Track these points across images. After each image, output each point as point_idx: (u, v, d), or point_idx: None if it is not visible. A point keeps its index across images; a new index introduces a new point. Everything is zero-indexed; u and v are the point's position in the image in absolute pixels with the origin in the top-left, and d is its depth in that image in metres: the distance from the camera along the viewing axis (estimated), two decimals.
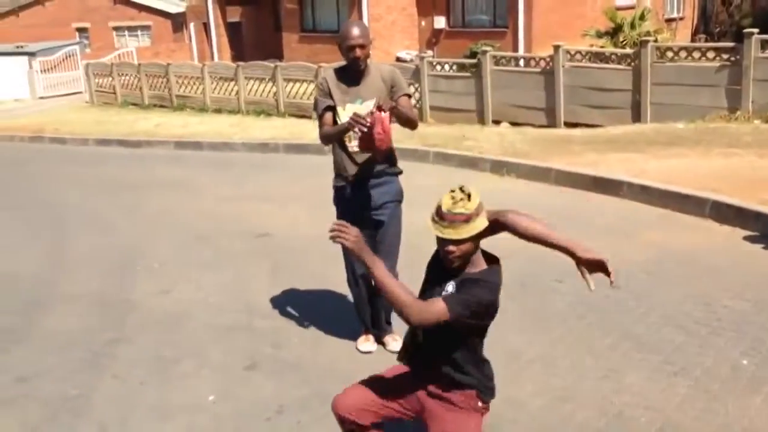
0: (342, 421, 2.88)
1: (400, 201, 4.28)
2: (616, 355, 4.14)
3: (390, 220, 4.22)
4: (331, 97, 4.12)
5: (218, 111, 15.55)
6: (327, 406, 3.74)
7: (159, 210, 8.16)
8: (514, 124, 11.94)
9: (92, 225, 7.74)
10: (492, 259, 2.78)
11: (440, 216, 2.58)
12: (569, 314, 4.71)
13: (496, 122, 12.26)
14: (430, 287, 2.77)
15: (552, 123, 11.80)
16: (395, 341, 4.38)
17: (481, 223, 2.60)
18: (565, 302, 4.89)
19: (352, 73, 4.11)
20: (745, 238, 5.88)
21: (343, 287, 5.22)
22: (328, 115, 4.14)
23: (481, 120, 12.48)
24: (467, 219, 2.56)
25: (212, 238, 6.96)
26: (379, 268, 2.62)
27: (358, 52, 3.99)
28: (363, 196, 4.17)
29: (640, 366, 4.00)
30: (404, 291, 2.59)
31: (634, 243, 5.94)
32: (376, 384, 2.90)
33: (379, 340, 4.48)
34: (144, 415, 3.85)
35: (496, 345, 4.27)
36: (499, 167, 8.69)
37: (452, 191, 2.59)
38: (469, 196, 2.58)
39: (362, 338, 4.49)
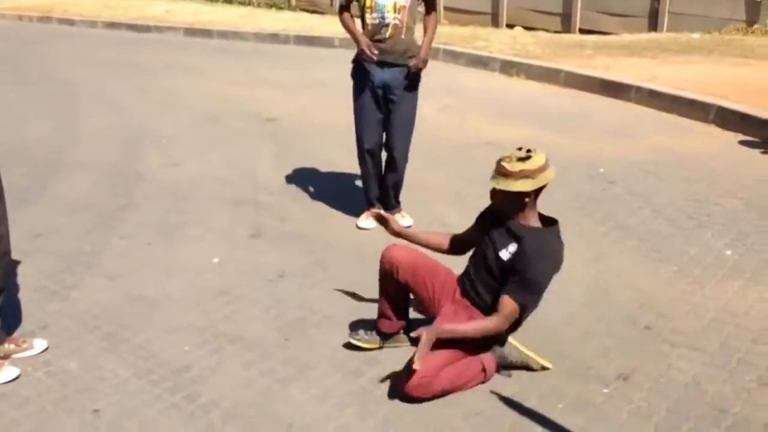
0: (385, 270, 3.12)
1: (415, 85, 4.34)
2: (607, 242, 4.30)
3: (404, 100, 4.28)
4: None
5: (229, 1, 15.27)
6: (326, 272, 3.98)
7: (168, 92, 8.20)
8: (528, 28, 11.75)
9: (102, 103, 7.80)
10: (549, 221, 3.01)
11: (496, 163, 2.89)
12: (568, 205, 4.84)
13: (510, 26, 12.06)
14: (486, 241, 2.99)
15: (567, 28, 11.60)
16: (403, 218, 4.55)
17: (517, 186, 2.81)
18: (565, 195, 5.00)
19: None
20: (746, 143, 5.95)
21: (347, 171, 5.37)
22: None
23: (495, 23, 12.27)
24: (506, 174, 2.81)
25: (220, 119, 7.04)
26: (451, 326, 2.91)
27: None
28: (381, 75, 4.23)
29: (628, 252, 4.16)
30: (479, 324, 2.89)
31: (637, 145, 6.01)
32: (429, 260, 3.16)
33: None
34: (151, 270, 4.04)
35: None
36: (508, 67, 8.65)
37: (518, 148, 2.87)
38: (527, 158, 2.81)
39: (364, 215, 4.64)
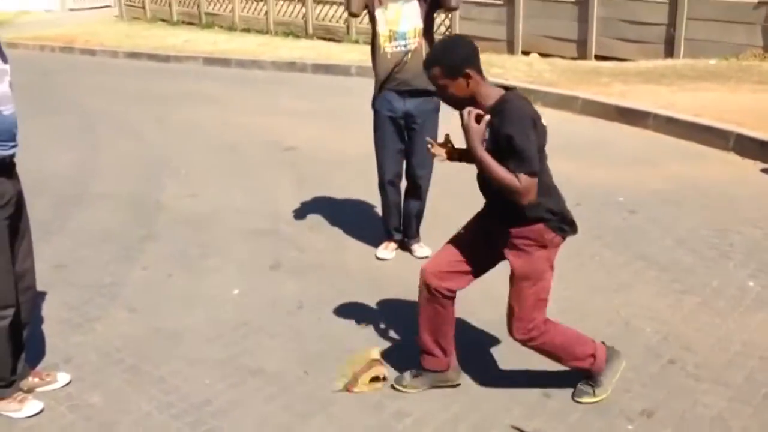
0: (428, 290, 3.04)
1: (436, 111, 4.34)
2: (627, 273, 4.28)
3: (426, 128, 4.27)
4: None
5: (247, 30, 15.47)
6: (346, 304, 3.98)
7: (187, 121, 8.30)
8: (543, 55, 11.80)
9: (122, 133, 7.90)
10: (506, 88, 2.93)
11: None
12: (586, 234, 4.79)
13: (526, 53, 12.12)
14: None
15: (582, 55, 11.64)
16: (422, 248, 4.56)
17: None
18: (584, 224, 4.93)
19: None
20: (766, 170, 5.91)
21: (365, 200, 5.40)
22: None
23: (511, 50, 12.34)
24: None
25: (239, 148, 7.11)
26: (487, 156, 2.78)
27: None
28: (403, 106, 4.26)
29: (650, 283, 4.13)
30: (506, 173, 2.75)
31: (656, 172, 6.00)
32: (456, 241, 3.10)
33: (407, 247, 4.64)
34: (172, 302, 4.07)
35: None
36: (524, 94, 8.63)
37: None
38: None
39: (383, 245, 4.65)
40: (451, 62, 2.77)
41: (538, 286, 2.92)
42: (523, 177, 2.72)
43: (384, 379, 3.21)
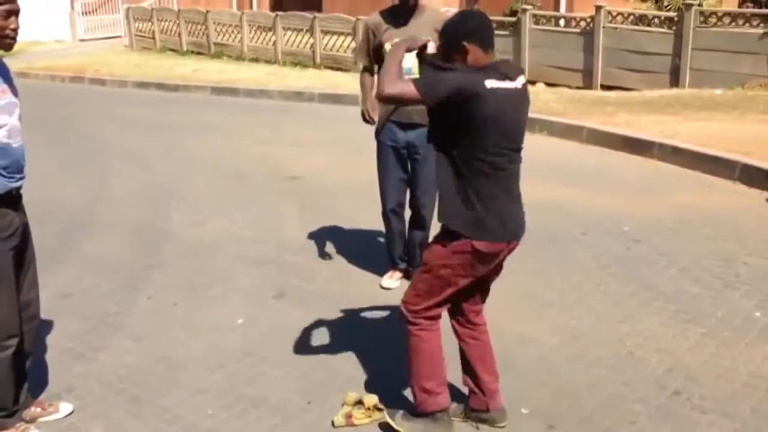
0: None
1: None
2: (633, 303, 4.26)
3: (429, 157, 4.27)
4: (375, 37, 4.24)
5: (255, 60, 15.65)
6: (352, 333, 3.97)
7: (194, 150, 8.36)
8: (549, 84, 11.89)
9: (130, 161, 7.97)
10: None
11: None
12: (591, 264, 4.82)
13: (532, 82, 12.19)
14: None
15: (588, 85, 11.73)
16: None
17: None
18: (589, 253, 5.00)
19: (401, 11, 4.18)
20: None
21: (370, 228, 5.41)
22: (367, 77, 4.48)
23: None
24: None
25: (245, 177, 7.16)
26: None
27: None
28: (405, 136, 4.31)
29: (655, 313, 4.11)
30: (397, 68, 2.75)
31: (661, 202, 6.00)
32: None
33: (411, 276, 4.62)
34: (176, 331, 4.06)
35: (515, 288, 4.46)
36: (531, 124, 8.62)
37: None
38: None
39: (387, 274, 4.65)
40: (447, 36, 2.83)
41: (431, 275, 2.90)
42: (412, 83, 2.70)
43: (380, 409, 3.18)
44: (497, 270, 2.99)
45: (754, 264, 4.71)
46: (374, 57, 4.35)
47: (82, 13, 22.20)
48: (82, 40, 21.67)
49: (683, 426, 3.08)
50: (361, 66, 4.54)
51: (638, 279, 4.56)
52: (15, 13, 2.82)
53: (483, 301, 3.09)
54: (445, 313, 3.04)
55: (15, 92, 2.95)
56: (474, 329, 3.07)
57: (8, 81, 2.92)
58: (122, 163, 7.89)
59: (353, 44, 13.17)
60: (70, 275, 4.88)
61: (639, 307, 4.19)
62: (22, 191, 3.02)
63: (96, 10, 22.69)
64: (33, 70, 15.23)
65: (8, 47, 2.86)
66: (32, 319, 3.15)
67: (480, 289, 3.03)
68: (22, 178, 2.98)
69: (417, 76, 2.96)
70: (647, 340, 3.81)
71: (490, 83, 2.66)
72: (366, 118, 4.50)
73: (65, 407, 3.27)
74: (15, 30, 2.83)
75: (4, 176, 2.86)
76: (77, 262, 5.14)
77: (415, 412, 3.03)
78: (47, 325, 3.99)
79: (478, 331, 3.08)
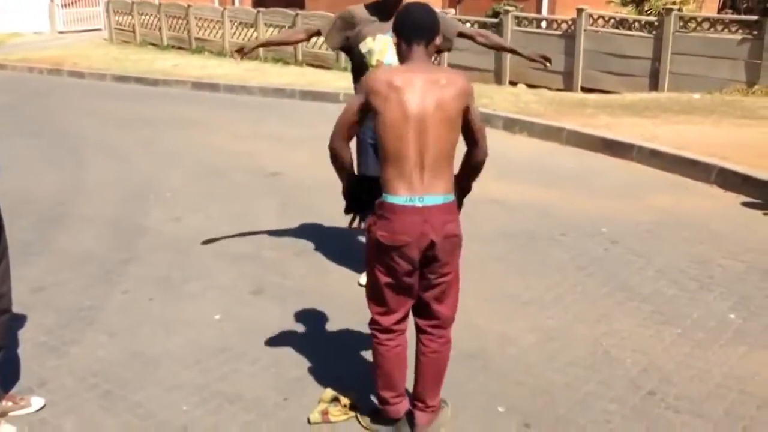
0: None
1: None
2: (609, 303, 4.28)
3: None
4: (353, 27, 4.19)
5: None
6: (329, 329, 3.96)
7: (173, 145, 8.29)
8: (530, 86, 11.93)
9: (108, 155, 7.88)
10: None
11: None
12: (569, 264, 4.84)
13: (513, 83, 12.26)
14: None
15: (569, 87, 11.80)
16: None
17: None
18: (567, 254, 5.01)
19: (387, 7, 4.15)
20: (748, 204, 5.96)
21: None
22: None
23: (498, 80, 12.48)
24: None
25: (224, 173, 7.11)
26: None
27: None
28: None
29: (631, 314, 4.13)
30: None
31: (639, 205, 6.04)
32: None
33: None
34: (152, 327, 4.02)
35: (494, 287, 4.47)
36: (511, 125, 8.75)
37: None
38: None
39: (365, 273, 4.63)
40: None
41: (369, 270, 2.92)
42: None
43: (357, 407, 3.17)
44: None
45: (729, 266, 4.76)
46: (343, 46, 4.30)
47: (62, 6, 21.96)
48: (61, 33, 21.44)
49: (657, 426, 3.10)
50: (303, 32, 4.49)
51: (615, 280, 4.59)
52: None
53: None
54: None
55: None
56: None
57: None
58: (100, 157, 7.80)
59: None
60: (44, 268, 4.82)
61: (615, 308, 4.21)
62: None
63: (76, 2, 22.46)
64: (10, 62, 15.04)
65: None
66: (4, 313, 3.11)
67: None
68: None
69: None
70: (623, 340, 3.83)
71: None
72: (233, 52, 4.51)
73: (37, 401, 3.23)
74: None
75: None
76: (52, 255, 5.08)
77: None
78: (20, 319, 3.93)
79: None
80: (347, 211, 3.18)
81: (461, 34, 4.37)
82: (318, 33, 4.40)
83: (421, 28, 2.78)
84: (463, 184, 2.99)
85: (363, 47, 4.18)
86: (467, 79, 2.80)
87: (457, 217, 2.84)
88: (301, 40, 4.63)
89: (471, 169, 2.97)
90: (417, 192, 2.73)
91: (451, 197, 2.80)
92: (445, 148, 2.74)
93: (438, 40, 2.83)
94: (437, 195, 2.75)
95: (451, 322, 2.98)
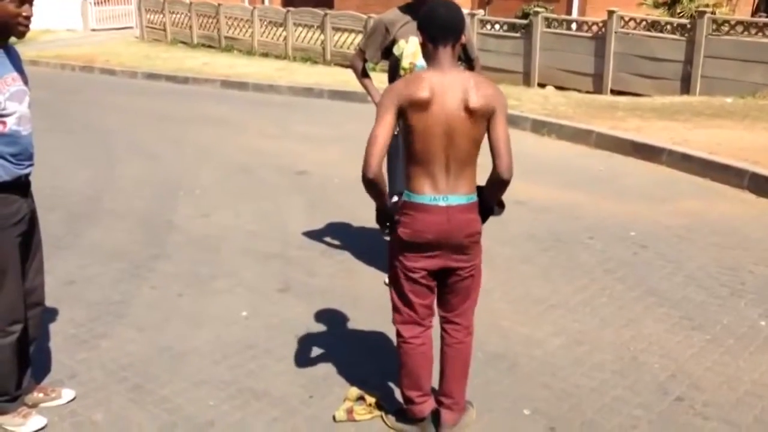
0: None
1: None
2: (638, 308, 4.24)
3: None
4: (389, 35, 4.22)
5: (265, 55, 15.65)
6: (355, 328, 3.97)
7: (202, 142, 8.37)
8: (559, 88, 11.86)
9: (138, 152, 7.98)
10: None
11: None
12: (597, 268, 4.81)
13: (542, 85, 12.19)
14: None
15: (598, 89, 11.69)
16: None
17: None
18: (595, 257, 4.98)
19: (418, 7, 4.14)
20: None
21: (376, 226, 5.38)
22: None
23: (527, 82, 12.41)
24: None
25: (252, 171, 7.16)
26: None
27: None
28: None
29: (660, 319, 4.09)
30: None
31: (669, 209, 5.97)
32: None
33: None
34: (179, 322, 4.07)
35: (520, 290, 4.45)
36: (539, 127, 8.70)
37: None
38: None
39: None
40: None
41: (391, 268, 2.93)
42: None
43: (382, 406, 3.17)
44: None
45: (761, 273, 4.69)
46: (383, 53, 4.34)
47: (94, 3, 22.22)
48: (93, 30, 21.71)
49: None
50: (359, 62, 4.46)
51: (644, 284, 4.54)
52: (28, 0, 2.82)
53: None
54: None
55: (25, 80, 2.95)
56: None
57: (19, 69, 2.92)
58: (130, 154, 7.90)
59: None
60: (75, 263, 4.89)
61: (644, 313, 4.17)
62: (30, 178, 3.02)
63: (108, 0, 22.72)
64: (44, 59, 15.26)
65: (21, 35, 2.86)
66: (36, 306, 3.16)
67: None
68: (31, 165, 2.98)
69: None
70: (651, 345, 3.80)
71: None
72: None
73: (67, 393, 3.28)
74: (28, 18, 2.83)
75: (13, 163, 2.87)
76: (82, 250, 5.15)
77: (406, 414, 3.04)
78: (51, 312, 4.00)
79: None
80: (383, 229, 3.13)
81: (471, 59, 4.44)
82: (364, 54, 4.43)
83: (448, 28, 2.71)
84: (484, 202, 2.87)
85: (396, 50, 4.21)
86: (499, 90, 2.78)
87: (477, 216, 2.85)
88: (364, 68, 4.54)
89: (491, 185, 2.80)
90: (442, 191, 2.74)
91: (474, 198, 2.81)
92: (470, 150, 2.75)
93: (463, 39, 2.82)
94: (461, 195, 2.77)
95: (473, 312, 3.02)
